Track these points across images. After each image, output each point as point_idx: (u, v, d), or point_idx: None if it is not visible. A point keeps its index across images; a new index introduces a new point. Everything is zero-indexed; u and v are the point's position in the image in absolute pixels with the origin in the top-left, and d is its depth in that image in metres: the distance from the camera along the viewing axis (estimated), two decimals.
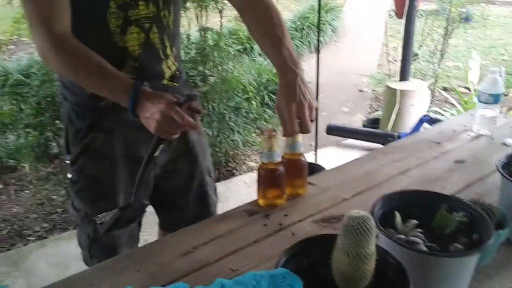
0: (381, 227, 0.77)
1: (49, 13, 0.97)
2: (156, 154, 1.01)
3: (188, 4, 2.66)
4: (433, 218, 0.84)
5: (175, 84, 1.20)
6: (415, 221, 0.82)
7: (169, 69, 1.18)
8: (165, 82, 1.17)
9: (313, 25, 5.82)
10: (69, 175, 1.19)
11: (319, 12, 2.84)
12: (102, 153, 1.15)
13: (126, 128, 1.15)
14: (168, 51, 1.16)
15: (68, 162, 1.18)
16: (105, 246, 1.22)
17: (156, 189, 1.28)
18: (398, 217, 0.83)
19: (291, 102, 1.01)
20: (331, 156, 3.29)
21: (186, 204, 1.34)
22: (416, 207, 0.87)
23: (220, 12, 2.82)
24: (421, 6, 4.41)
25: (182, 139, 1.27)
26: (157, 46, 1.12)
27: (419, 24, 3.96)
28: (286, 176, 1.09)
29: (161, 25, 1.11)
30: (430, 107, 3.88)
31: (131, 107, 0.97)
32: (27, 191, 2.92)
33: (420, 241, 0.78)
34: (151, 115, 0.95)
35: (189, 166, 1.32)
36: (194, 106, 1.02)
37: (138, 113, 0.97)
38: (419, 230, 0.81)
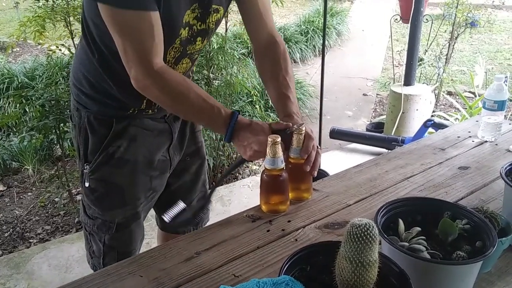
0: (385, 235, 0.77)
1: (152, 49, 0.99)
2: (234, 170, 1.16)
3: None
4: (437, 225, 0.84)
5: None
6: (418, 229, 0.82)
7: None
8: None
9: (318, 29, 5.83)
10: (87, 184, 1.19)
11: (324, 16, 2.84)
12: (125, 160, 1.17)
13: (148, 135, 1.20)
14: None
15: (86, 171, 1.18)
16: (120, 253, 1.24)
17: (167, 187, 1.32)
18: (401, 225, 0.83)
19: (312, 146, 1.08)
20: (335, 160, 3.29)
21: (191, 201, 1.39)
22: (420, 214, 0.87)
23: (226, 16, 2.83)
24: (427, 10, 4.41)
25: (193, 138, 1.35)
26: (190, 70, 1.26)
27: (424, 29, 3.96)
28: (291, 180, 1.10)
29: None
30: (434, 111, 3.87)
31: (229, 137, 1.05)
32: (29, 193, 2.93)
33: (423, 248, 0.78)
34: (248, 144, 1.05)
35: (197, 166, 1.38)
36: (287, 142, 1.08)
37: (234, 142, 1.06)
38: (422, 237, 0.81)
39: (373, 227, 0.64)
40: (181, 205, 1.12)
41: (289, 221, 1.07)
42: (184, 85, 1.04)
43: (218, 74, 2.95)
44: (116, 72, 1.09)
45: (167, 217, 1.11)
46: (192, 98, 1.04)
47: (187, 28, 1.07)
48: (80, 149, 1.19)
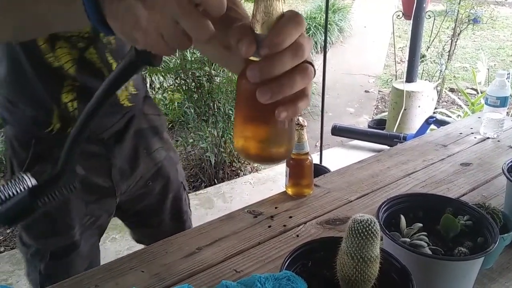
0: (386, 230, 0.77)
1: None
2: (124, 84, 0.56)
3: None
4: (438, 221, 0.83)
5: (131, 104, 1.05)
6: (420, 224, 0.82)
7: (125, 87, 1.03)
8: (122, 100, 1.02)
9: (320, 26, 5.82)
10: None
11: (326, 12, 2.83)
12: None
13: (78, 158, 1.01)
14: (114, 66, 0.99)
15: None
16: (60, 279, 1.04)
17: (125, 211, 1.20)
18: (403, 220, 0.82)
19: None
20: (336, 157, 3.29)
21: (160, 222, 1.25)
22: (421, 210, 0.87)
23: None
24: (430, 7, 4.39)
25: (150, 161, 1.16)
26: (98, 65, 0.96)
27: (427, 25, 3.95)
28: (292, 176, 1.10)
29: (100, 45, 0.95)
30: (436, 108, 3.86)
31: (90, 6, 0.49)
32: None
33: (424, 244, 0.78)
34: (147, 19, 0.46)
35: (161, 186, 1.21)
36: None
37: (108, 15, 0.49)
38: (424, 233, 0.81)
39: (374, 222, 0.64)
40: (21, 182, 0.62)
41: (290, 217, 1.07)
42: None
43: (220, 70, 2.95)
44: (18, 83, 0.93)
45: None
46: None
47: None
48: (8, 170, 1.04)
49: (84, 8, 0.49)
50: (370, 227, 0.63)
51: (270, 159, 0.56)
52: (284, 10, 0.48)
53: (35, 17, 0.58)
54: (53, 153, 0.96)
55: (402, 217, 0.83)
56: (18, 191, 0.61)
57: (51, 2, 0.55)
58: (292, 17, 0.47)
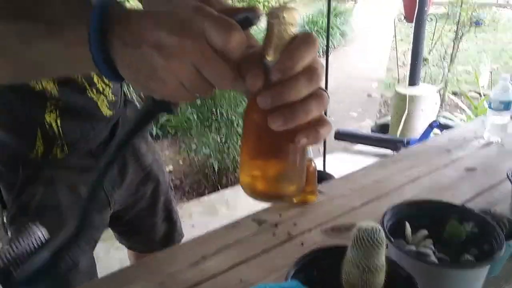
0: (391, 238, 0.77)
1: None
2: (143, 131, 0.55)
3: None
4: (444, 228, 0.83)
5: (111, 111, 1.02)
6: (425, 232, 0.82)
7: (103, 94, 0.99)
8: (103, 110, 0.99)
9: (322, 29, 5.83)
10: (10, 234, 0.98)
11: (328, 16, 2.84)
12: (46, 207, 0.96)
13: (70, 174, 0.98)
14: (95, 78, 0.97)
15: (5, 219, 0.98)
16: None
17: (118, 219, 1.17)
18: (408, 228, 0.82)
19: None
20: (340, 162, 3.28)
21: (153, 225, 1.25)
22: (426, 217, 0.87)
23: None
24: (431, 9, 4.39)
25: (138, 166, 1.15)
26: (80, 82, 0.95)
27: (429, 28, 3.95)
28: None
29: None
30: (439, 112, 3.86)
31: (97, 48, 0.43)
32: None
33: (430, 252, 0.78)
34: (152, 42, 0.42)
35: (151, 191, 1.20)
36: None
37: (119, 62, 0.44)
38: (429, 240, 0.81)
39: (379, 231, 0.63)
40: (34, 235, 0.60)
41: (295, 224, 1.07)
42: None
43: None
44: None
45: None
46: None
47: None
48: None
49: (92, 56, 0.44)
50: (375, 235, 0.63)
51: (278, 197, 0.53)
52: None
53: (32, 64, 0.49)
54: (43, 175, 0.96)
55: (407, 224, 0.83)
56: (34, 247, 0.56)
57: (50, 44, 0.46)
58: (304, 38, 0.44)
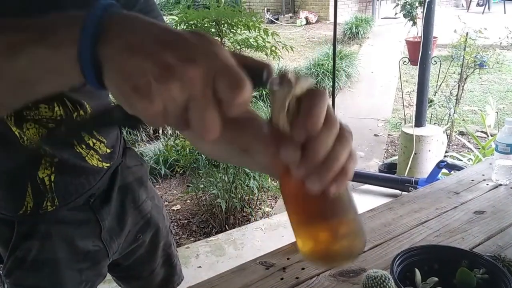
0: (401, 286, 0.76)
1: None
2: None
3: None
4: (454, 274, 0.82)
5: (107, 163, 1.01)
6: (435, 279, 0.81)
7: (92, 149, 0.97)
8: (94, 163, 0.97)
9: (328, 72, 5.93)
10: (6, 287, 0.99)
11: (333, 59, 2.91)
12: (42, 261, 0.96)
13: (67, 228, 0.98)
14: (86, 138, 0.96)
15: (1, 273, 0.98)
16: None
17: (116, 265, 1.17)
18: (418, 275, 0.81)
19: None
20: None
21: (152, 271, 1.23)
22: (436, 262, 0.86)
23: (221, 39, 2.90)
24: (435, 52, 4.47)
25: (138, 214, 1.13)
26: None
27: (433, 70, 4.00)
28: None
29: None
30: (447, 152, 3.85)
31: (89, 66, 0.39)
32: None
33: None
34: (145, 44, 0.38)
35: (151, 237, 1.18)
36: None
37: (109, 80, 0.39)
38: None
39: (389, 279, 0.63)
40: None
41: (303, 269, 1.06)
42: None
43: None
44: None
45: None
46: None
47: None
48: None
49: (78, 54, 0.39)
50: (384, 284, 0.63)
51: (351, 255, 0.48)
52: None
53: (15, 76, 0.43)
54: (39, 229, 0.95)
55: (417, 271, 0.82)
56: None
57: (41, 50, 0.41)
58: (313, 94, 0.41)
